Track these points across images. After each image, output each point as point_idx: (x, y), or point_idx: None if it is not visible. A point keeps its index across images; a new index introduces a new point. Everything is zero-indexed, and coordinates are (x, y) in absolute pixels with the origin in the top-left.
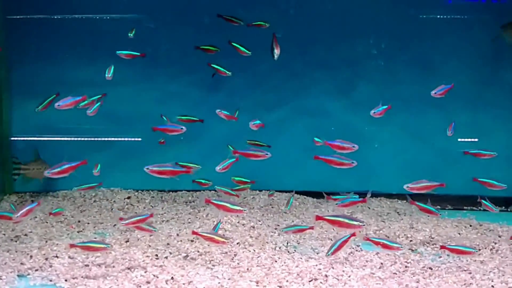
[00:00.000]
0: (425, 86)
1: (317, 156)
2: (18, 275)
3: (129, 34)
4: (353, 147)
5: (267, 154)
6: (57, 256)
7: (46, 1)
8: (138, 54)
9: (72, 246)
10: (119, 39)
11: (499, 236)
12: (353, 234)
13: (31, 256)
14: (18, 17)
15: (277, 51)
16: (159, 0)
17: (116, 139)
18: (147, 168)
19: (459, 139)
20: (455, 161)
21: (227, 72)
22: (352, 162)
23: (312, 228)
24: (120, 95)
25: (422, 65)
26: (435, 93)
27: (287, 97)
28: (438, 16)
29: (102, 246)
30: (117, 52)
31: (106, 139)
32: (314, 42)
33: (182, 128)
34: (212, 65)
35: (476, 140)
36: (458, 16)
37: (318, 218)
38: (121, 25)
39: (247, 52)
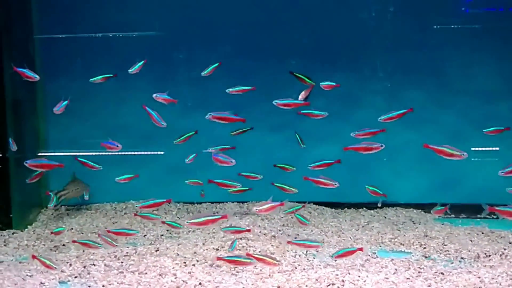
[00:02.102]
0: (441, 95)
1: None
2: (59, 282)
3: (129, 71)
4: (381, 146)
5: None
6: (94, 264)
7: (75, 21)
8: (111, 75)
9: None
10: (151, 56)
11: (510, 243)
12: (360, 249)
13: (70, 264)
14: (49, 36)
15: (301, 97)
16: (182, 19)
17: (142, 153)
18: None
19: (472, 148)
20: (470, 171)
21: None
22: (463, 154)
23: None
24: (144, 111)
25: (439, 75)
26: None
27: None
28: (456, 26)
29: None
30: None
31: (133, 153)
32: (333, 54)
33: (232, 162)
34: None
35: (496, 149)
36: (475, 25)
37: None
38: (148, 42)
39: (311, 82)
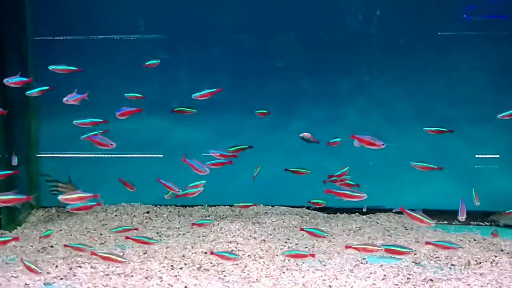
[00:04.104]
0: (441, 101)
1: None
2: (44, 283)
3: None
4: (383, 144)
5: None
6: (80, 266)
7: (70, 23)
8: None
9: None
10: (143, 59)
11: (501, 250)
12: (312, 255)
13: (56, 266)
14: (45, 38)
15: (304, 135)
16: (177, 22)
17: (137, 155)
18: None
19: (476, 155)
20: (465, 177)
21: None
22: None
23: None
24: (140, 113)
25: (440, 81)
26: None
27: (293, 118)
28: (457, 33)
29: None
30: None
31: (127, 155)
32: (333, 59)
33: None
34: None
35: (496, 156)
36: (476, 32)
37: None
38: (144, 45)
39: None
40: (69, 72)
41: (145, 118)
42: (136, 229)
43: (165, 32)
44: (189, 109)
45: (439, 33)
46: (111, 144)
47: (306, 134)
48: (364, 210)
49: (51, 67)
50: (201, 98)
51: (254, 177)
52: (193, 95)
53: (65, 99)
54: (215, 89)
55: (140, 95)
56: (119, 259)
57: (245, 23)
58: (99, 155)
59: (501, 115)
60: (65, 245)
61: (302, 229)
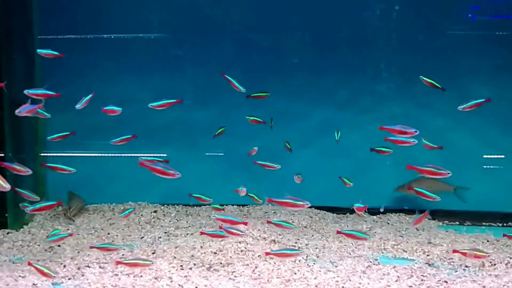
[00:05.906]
0: (447, 101)
1: None
2: (52, 283)
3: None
4: (416, 131)
5: None
6: (88, 266)
7: (77, 22)
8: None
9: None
10: (148, 58)
11: None
12: (245, 223)
13: (64, 266)
14: (50, 37)
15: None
16: (185, 20)
17: (143, 155)
18: None
19: (484, 156)
20: (474, 178)
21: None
22: None
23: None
24: (146, 111)
25: (445, 81)
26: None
27: (310, 113)
28: (462, 32)
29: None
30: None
31: (133, 155)
32: (340, 58)
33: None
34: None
35: (502, 156)
36: (482, 32)
37: None
38: (149, 43)
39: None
40: (52, 56)
41: (152, 117)
42: (71, 234)
43: (172, 31)
44: (265, 94)
45: (442, 33)
46: (177, 174)
47: (298, 178)
48: (382, 210)
49: (38, 50)
50: (159, 108)
51: (271, 127)
52: (150, 104)
53: (17, 111)
54: (174, 100)
55: (91, 95)
56: (146, 263)
57: (257, 20)
58: (104, 155)
59: (462, 106)
60: (91, 247)
61: (339, 232)
